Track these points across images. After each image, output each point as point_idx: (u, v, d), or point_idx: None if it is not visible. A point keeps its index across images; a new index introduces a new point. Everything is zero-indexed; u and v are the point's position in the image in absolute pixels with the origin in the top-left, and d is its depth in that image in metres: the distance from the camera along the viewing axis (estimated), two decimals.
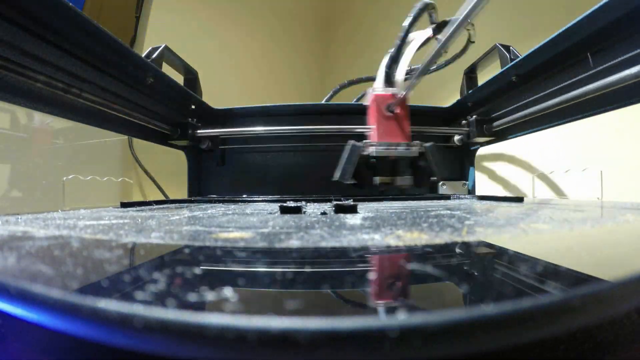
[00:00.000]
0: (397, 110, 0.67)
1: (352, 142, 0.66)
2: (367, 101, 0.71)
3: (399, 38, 0.66)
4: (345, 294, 0.14)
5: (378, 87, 0.69)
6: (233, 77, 1.77)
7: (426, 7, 0.63)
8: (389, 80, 0.69)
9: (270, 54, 2.06)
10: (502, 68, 0.73)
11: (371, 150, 0.64)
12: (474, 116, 0.86)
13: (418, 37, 0.69)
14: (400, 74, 0.69)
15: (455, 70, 1.02)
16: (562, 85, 0.61)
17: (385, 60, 0.70)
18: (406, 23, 0.65)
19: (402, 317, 0.09)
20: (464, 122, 0.88)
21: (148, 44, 0.97)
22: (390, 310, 0.12)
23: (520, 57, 0.68)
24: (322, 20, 2.33)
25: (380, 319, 0.09)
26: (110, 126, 0.68)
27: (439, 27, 0.65)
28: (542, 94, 0.66)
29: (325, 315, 0.11)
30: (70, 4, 0.48)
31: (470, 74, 0.91)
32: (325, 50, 2.34)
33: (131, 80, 0.68)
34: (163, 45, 0.76)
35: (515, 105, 0.75)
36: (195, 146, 0.97)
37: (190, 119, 0.85)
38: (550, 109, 0.63)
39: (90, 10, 1.01)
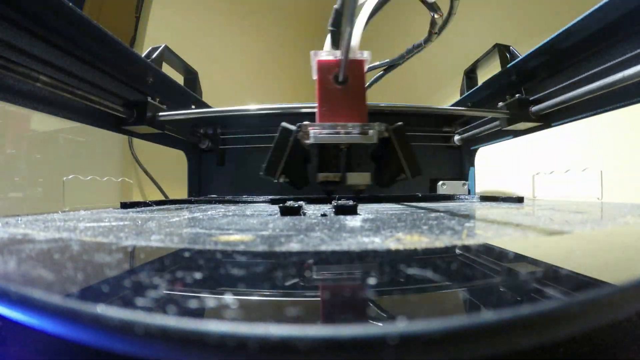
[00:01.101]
0: (350, 81, 0.49)
1: (283, 124, 0.48)
2: (314, 71, 0.53)
3: None
4: (345, 299, 0.14)
5: (324, 51, 0.52)
6: (233, 77, 1.77)
7: None
8: (337, 42, 0.50)
9: (271, 53, 2.05)
10: (502, 68, 0.74)
11: (311, 136, 0.46)
12: (516, 95, 0.68)
13: None
14: (355, 34, 0.50)
15: (455, 70, 1.02)
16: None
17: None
18: None
19: (402, 325, 0.09)
20: (500, 104, 0.72)
21: (148, 44, 0.96)
22: (391, 317, 0.12)
23: (521, 57, 0.68)
24: (322, 20, 2.32)
25: (380, 327, 0.09)
26: (43, 107, 0.55)
27: None
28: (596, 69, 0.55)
29: (325, 322, 0.11)
30: (71, 4, 0.48)
31: (470, 74, 0.91)
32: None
33: (131, 79, 0.68)
34: (163, 45, 0.76)
35: (558, 86, 0.62)
36: (195, 146, 0.97)
37: (150, 98, 0.67)
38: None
39: (90, 10, 1.01)
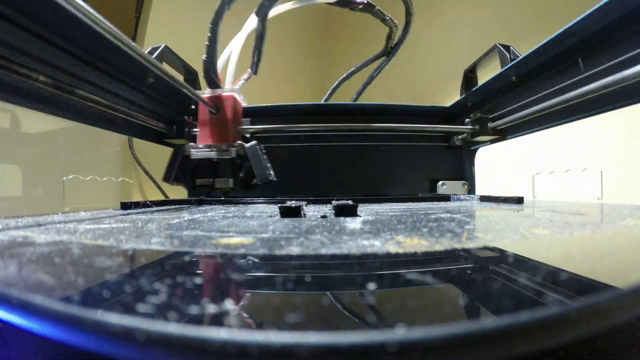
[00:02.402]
0: (222, 112, 0.68)
1: (176, 146, 0.68)
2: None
3: (207, 40, 0.65)
4: (346, 305, 0.14)
5: (205, 91, 0.70)
6: None
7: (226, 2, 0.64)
8: (212, 83, 0.68)
9: (270, 53, 2.05)
10: (502, 68, 0.73)
11: (192, 153, 0.66)
12: (478, 114, 0.83)
13: (241, 35, 0.74)
14: (228, 76, 0.71)
15: (455, 70, 1.02)
16: (566, 83, 0.61)
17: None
18: (211, 20, 0.65)
19: (401, 332, 0.09)
20: (467, 120, 0.86)
21: (148, 44, 0.96)
22: (391, 324, 0.12)
23: (520, 57, 0.68)
24: (323, 20, 2.32)
25: (380, 333, 0.09)
26: (106, 125, 0.67)
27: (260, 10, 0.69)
28: (546, 92, 0.66)
29: (325, 329, 0.12)
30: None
31: (470, 74, 0.91)
32: (325, 50, 2.34)
33: (130, 79, 0.68)
34: (163, 45, 0.76)
35: (518, 104, 0.74)
36: None
37: (186, 117, 0.83)
38: (554, 108, 0.62)
39: None
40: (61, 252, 0.19)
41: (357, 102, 1.07)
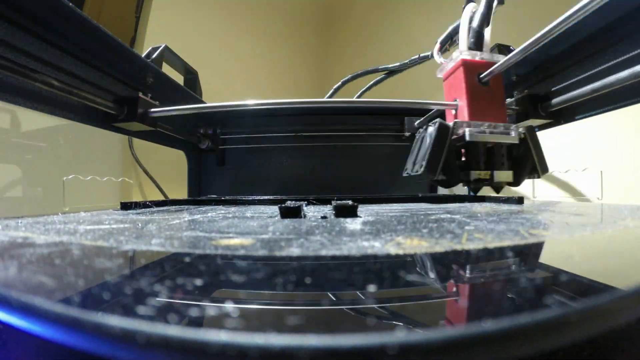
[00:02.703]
0: (492, 83, 0.50)
1: (438, 120, 0.48)
2: (441, 69, 0.56)
3: None
4: (346, 307, 0.14)
5: (464, 50, 0.52)
6: (233, 77, 1.77)
7: None
8: (479, 43, 0.51)
9: (271, 52, 2.05)
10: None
11: (465, 133, 0.45)
12: (525, 91, 0.66)
13: None
14: (487, 35, 0.54)
15: None
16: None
17: (469, 15, 0.54)
18: None
19: (401, 334, 0.09)
20: (508, 100, 0.70)
21: (148, 44, 0.96)
22: (391, 326, 0.12)
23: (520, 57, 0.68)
24: (323, 19, 2.32)
25: (380, 336, 0.09)
26: (29, 103, 0.54)
27: None
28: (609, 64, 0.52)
29: (326, 332, 0.12)
30: (70, 4, 0.48)
31: None
32: (325, 49, 2.34)
33: (124, 75, 0.67)
34: (163, 45, 0.76)
35: (581, 77, 0.58)
36: (195, 146, 0.97)
37: (141, 93, 0.65)
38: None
39: (90, 10, 1.01)
40: (61, 254, 0.19)
41: (359, 99, 1.06)
